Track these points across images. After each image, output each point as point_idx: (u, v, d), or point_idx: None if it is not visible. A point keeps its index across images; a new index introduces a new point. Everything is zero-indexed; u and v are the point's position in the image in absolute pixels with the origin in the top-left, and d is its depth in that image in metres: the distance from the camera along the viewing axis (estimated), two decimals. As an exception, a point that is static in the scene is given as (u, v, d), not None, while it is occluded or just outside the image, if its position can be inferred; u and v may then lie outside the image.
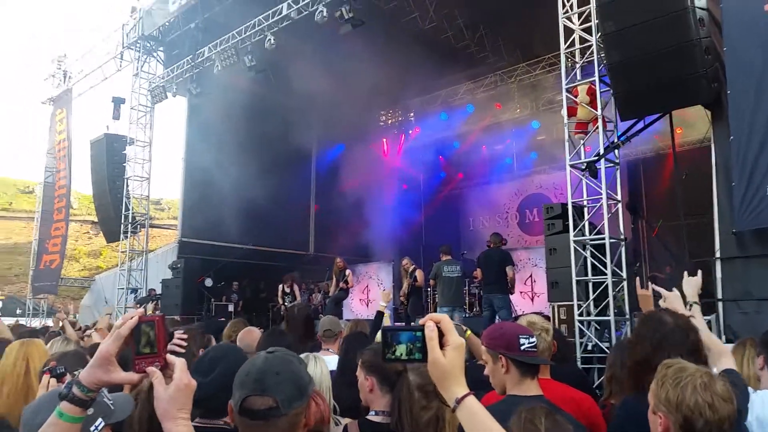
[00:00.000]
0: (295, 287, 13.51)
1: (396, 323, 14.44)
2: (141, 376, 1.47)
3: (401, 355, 1.35)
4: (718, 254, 6.85)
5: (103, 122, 16.19)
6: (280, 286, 13.56)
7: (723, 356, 2.61)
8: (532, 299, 13.49)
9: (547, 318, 9.09)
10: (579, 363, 7.24)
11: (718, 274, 6.81)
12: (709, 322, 7.10)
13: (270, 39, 11.69)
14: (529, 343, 2.48)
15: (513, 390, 2.47)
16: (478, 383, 2.71)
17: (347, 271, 12.00)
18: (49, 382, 2.47)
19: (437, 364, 1.32)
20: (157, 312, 11.11)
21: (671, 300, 3.35)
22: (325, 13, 10.69)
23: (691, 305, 3.28)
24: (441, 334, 1.34)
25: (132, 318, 1.47)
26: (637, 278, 4.03)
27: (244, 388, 1.54)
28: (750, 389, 2.55)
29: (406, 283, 11.39)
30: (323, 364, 2.91)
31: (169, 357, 1.48)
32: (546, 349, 3.05)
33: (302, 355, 2.88)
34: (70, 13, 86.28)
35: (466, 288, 12.50)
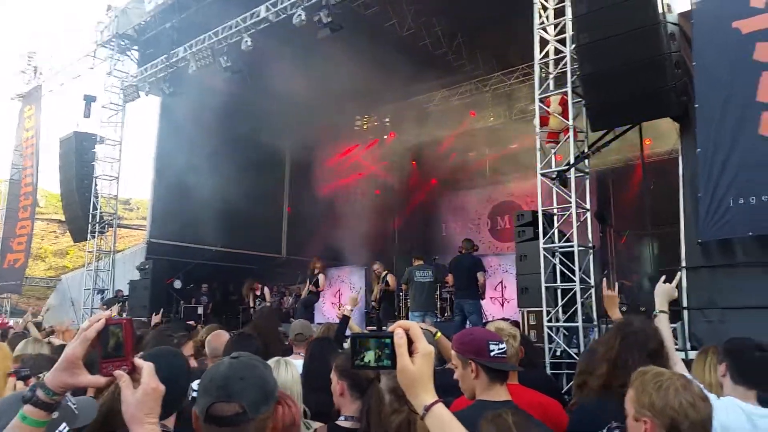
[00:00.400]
0: (266, 290, 13.43)
1: (368, 328, 14.45)
2: (108, 380, 1.44)
3: (370, 361, 1.35)
4: (683, 263, 7.02)
5: (74, 120, 15.96)
6: (250, 292, 13.48)
7: (677, 365, 2.71)
8: (503, 305, 13.63)
9: (516, 324, 9.20)
10: (548, 368, 7.33)
11: (684, 283, 6.96)
12: (674, 330, 7.27)
13: (247, 41, 11.63)
14: (498, 349, 2.50)
15: (482, 395, 2.49)
16: (448, 388, 2.74)
17: (320, 276, 11.95)
18: (15, 385, 2.43)
19: (406, 372, 1.33)
20: (124, 314, 10.93)
21: (607, 300, 3.50)
22: (303, 17, 10.67)
23: (656, 314, 3.36)
24: (410, 341, 1.35)
25: (99, 320, 1.44)
26: (604, 279, 4.13)
27: (209, 395, 1.51)
28: (713, 396, 2.62)
29: (377, 288, 11.41)
30: (294, 368, 2.90)
31: (137, 361, 1.45)
32: (513, 355, 3.09)
33: (272, 360, 2.87)
34: (44, 9, 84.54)
35: (438, 293, 12.56)
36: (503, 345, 2.55)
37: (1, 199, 20.03)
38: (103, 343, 1.44)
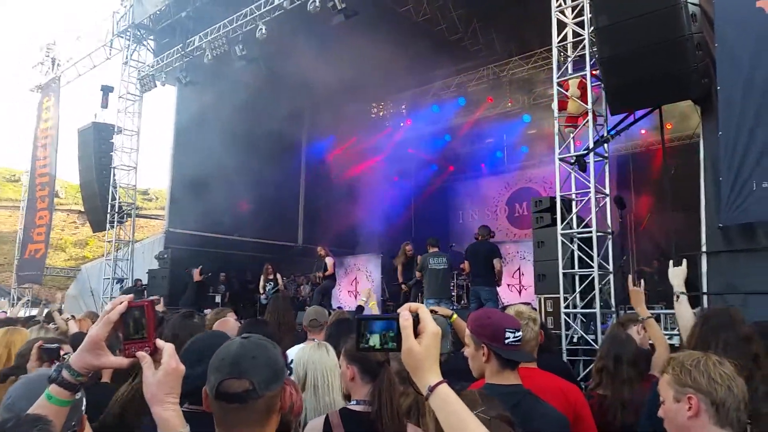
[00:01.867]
0: (278, 275, 13.48)
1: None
2: (130, 361, 1.47)
3: (375, 344, 1.34)
4: (704, 248, 6.90)
5: (92, 111, 16.08)
6: (262, 276, 13.57)
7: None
8: (520, 292, 13.56)
9: (534, 309, 9.15)
10: (564, 355, 7.28)
11: (704, 268, 6.86)
12: (694, 315, 7.18)
13: (261, 29, 11.61)
14: (514, 337, 2.45)
15: (492, 379, 2.46)
16: (462, 373, 2.71)
17: (327, 259, 11.97)
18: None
19: (411, 353, 1.31)
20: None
21: (633, 296, 3.42)
22: (317, 3, 10.61)
23: (677, 296, 3.30)
24: (417, 323, 1.33)
25: (121, 303, 1.48)
26: (629, 276, 4.05)
27: (220, 372, 1.54)
28: None
29: (400, 268, 11.31)
30: (333, 352, 2.92)
31: (158, 342, 1.49)
32: (533, 338, 3.04)
33: (313, 343, 2.89)
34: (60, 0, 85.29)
35: (454, 280, 12.51)
36: (519, 333, 2.50)
37: (22, 190, 20.30)
38: (126, 325, 1.47)
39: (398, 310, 1.36)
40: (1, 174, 32.39)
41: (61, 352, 2.58)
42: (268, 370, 1.57)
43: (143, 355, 1.45)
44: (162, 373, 1.43)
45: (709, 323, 2.75)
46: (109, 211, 15.31)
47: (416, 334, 1.32)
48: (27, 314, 9.38)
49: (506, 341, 2.43)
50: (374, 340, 1.34)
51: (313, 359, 2.97)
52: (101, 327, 1.45)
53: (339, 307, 10.21)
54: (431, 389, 1.31)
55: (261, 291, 13.53)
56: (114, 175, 15.45)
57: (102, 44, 16.47)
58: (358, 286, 16.13)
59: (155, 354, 1.47)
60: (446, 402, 1.31)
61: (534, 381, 2.61)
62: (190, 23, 13.50)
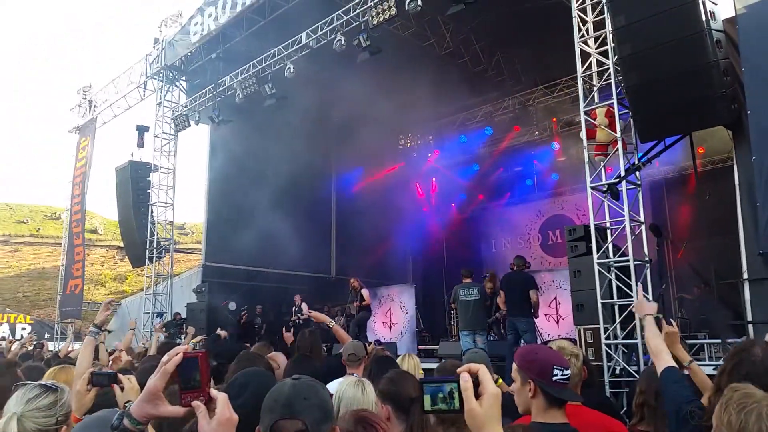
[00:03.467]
0: (304, 305, 13.63)
1: (418, 347, 14.37)
2: (186, 410, 1.53)
3: (439, 406, 1.38)
4: (745, 275, 6.77)
5: (128, 150, 16.57)
6: (293, 309, 13.79)
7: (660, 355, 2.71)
8: (557, 322, 13.35)
9: (573, 342, 9.00)
10: (607, 387, 7.16)
11: (747, 296, 6.72)
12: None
13: (290, 67, 11.90)
14: (562, 375, 2.44)
15: (538, 417, 2.45)
16: (505, 410, 2.72)
17: (363, 291, 12.03)
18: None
19: (474, 414, 1.34)
20: (182, 336, 11.16)
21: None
22: (343, 42, 10.87)
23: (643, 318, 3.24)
24: (477, 383, 1.37)
25: (177, 355, 1.54)
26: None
27: (274, 413, 1.60)
28: None
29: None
30: (371, 389, 2.93)
31: (212, 392, 1.55)
32: (576, 375, 3.03)
33: (351, 379, 2.94)
34: (96, 44, 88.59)
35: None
36: (567, 371, 2.49)
37: (63, 227, 20.91)
38: (182, 375, 1.54)
39: (458, 370, 1.40)
40: (43, 212, 33.36)
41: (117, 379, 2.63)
42: (320, 411, 1.63)
43: (198, 405, 1.50)
44: (216, 423, 1.49)
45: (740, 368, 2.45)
46: (147, 246, 15.67)
47: (477, 395, 1.35)
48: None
49: (554, 378, 2.42)
50: (437, 400, 1.38)
51: (348, 395, 2.99)
52: (159, 378, 1.52)
53: (377, 341, 10.19)
54: None
55: (291, 318, 13.70)
56: (152, 211, 15.83)
57: (136, 86, 17.04)
58: (393, 317, 16.10)
59: (210, 403, 1.52)
60: None
61: (579, 418, 2.60)
62: (221, 64, 13.91)
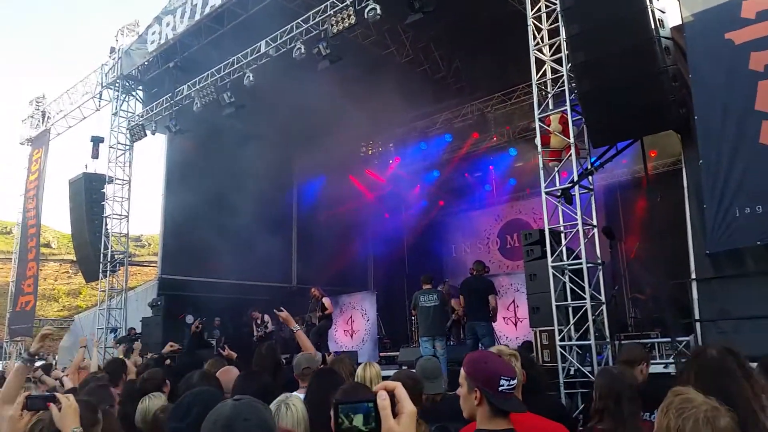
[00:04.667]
0: (266, 317, 13.45)
1: (380, 354, 14.35)
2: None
3: (354, 425, 1.35)
4: (693, 275, 6.98)
5: (82, 161, 16.16)
6: (252, 321, 13.57)
7: None
8: (516, 325, 13.52)
9: (529, 344, 9.11)
10: (562, 388, 7.26)
11: (695, 295, 6.93)
12: (687, 343, 7.20)
13: (249, 76, 11.80)
14: (509, 385, 2.44)
15: (482, 425, 2.45)
16: (458, 414, 2.72)
17: (324, 299, 11.98)
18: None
19: None
20: (134, 352, 10.81)
21: None
22: (302, 50, 10.84)
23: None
24: (395, 402, 1.35)
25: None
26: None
27: None
28: None
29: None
30: (296, 410, 2.85)
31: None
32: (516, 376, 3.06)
33: (274, 403, 2.88)
34: (49, 54, 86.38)
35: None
36: (514, 381, 2.49)
37: (14, 242, 20.25)
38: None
39: (375, 389, 1.37)
40: (-8, 227, 32.23)
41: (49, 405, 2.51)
42: (261, 431, 1.60)
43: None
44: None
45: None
46: (101, 260, 15.26)
47: (394, 413, 1.33)
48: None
49: (500, 388, 2.43)
50: (354, 421, 1.34)
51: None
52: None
53: (336, 353, 10.13)
54: None
55: (254, 333, 13.48)
56: (106, 224, 15.45)
57: (91, 96, 16.67)
58: (354, 324, 16.05)
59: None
60: None
61: (522, 423, 2.62)
62: (178, 73, 13.68)
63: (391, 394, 1.36)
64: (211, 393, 2.61)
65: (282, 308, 5.66)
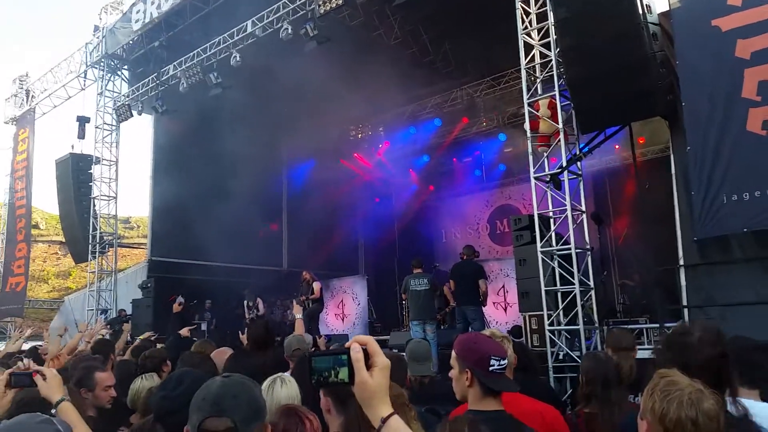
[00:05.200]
0: (258, 301, 13.43)
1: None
2: None
3: (328, 378, 1.36)
4: (681, 262, 7.02)
5: (69, 142, 16.00)
6: (245, 302, 13.54)
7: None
8: (505, 309, 13.60)
9: (518, 329, 9.15)
10: (551, 372, 7.32)
11: (683, 281, 6.97)
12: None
13: (236, 56, 11.66)
14: (499, 365, 2.46)
15: (474, 405, 2.47)
16: (450, 397, 2.73)
17: (315, 283, 11.99)
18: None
19: (365, 386, 1.34)
20: (126, 332, 10.77)
21: None
22: (290, 31, 10.71)
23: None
24: (368, 356, 1.36)
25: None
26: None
27: (201, 411, 1.57)
28: (751, 402, 2.55)
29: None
30: (292, 385, 2.88)
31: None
32: (508, 358, 3.08)
33: (269, 378, 2.90)
34: (32, 32, 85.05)
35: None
36: (505, 362, 2.51)
37: (0, 223, 20.09)
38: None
39: (347, 344, 1.38)
40: (-21, 208, 31.94)
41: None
42: (249, 408, 1.61)
43: None
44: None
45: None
46: (90, 241, 15.19)
47: (367, 366, 1.35)
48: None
49: (491, 368, 2.45)
50: (327, 373, 1.36)
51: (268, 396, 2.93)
52: None
53: (327, 336, 10.14)
54: (383, 421, 1.34)
55: (247, 316, 13.46)
56: (94, 205, 15.35)
57: (76, 75, 16.42)
58: (345, 308, 16.09)
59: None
60: None
61: (514, 405, 2.64)
62: (164, 52, 13.51)
63: (365, 349, 1.36)
64: (202, 373, 2.63)
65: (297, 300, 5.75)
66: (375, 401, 1.35)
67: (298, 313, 5.56)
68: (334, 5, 9.93)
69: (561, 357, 7.42)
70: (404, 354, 4.31)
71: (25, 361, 2.63)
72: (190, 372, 2.46)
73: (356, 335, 1.43)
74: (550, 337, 7.50)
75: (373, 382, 1.34)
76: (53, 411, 2.44)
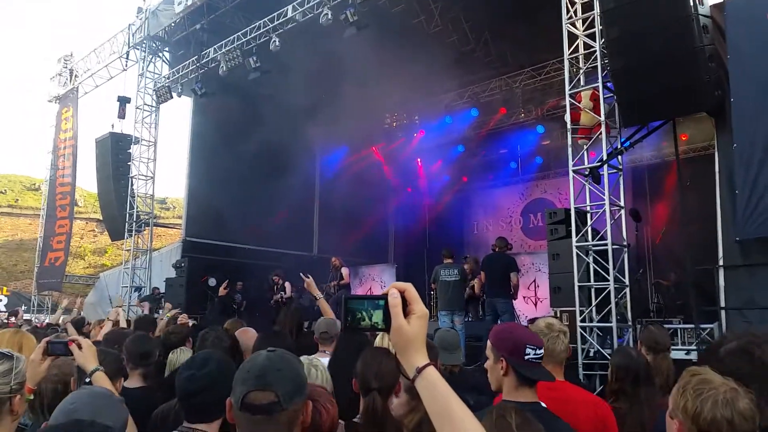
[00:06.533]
0: (287, 284, 13.53)
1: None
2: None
3: (364, 322, 1.32)
4: (721, 262, 6.84)
5: (109, 121, 16.31)
6: (273, 285, 13.66)
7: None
8: (536, 304, 13.47)
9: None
10: (581, 369, 7.23)
11: (721, 282, 6.79)
12: (711, 331, 7.08)
13: (275, 41, 11.72)
14: (535, 354, 2.42)
15: (509, 395, 2.44)
16: (476, 387, 2.71)
17: (343, 269, 12.03)
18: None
19: (401, 332, 1.30)
20: (160, 310, 11.03)
21: None
22: (329, 16, 10.72)
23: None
24: (406, 303, 1.32)
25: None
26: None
27: (246, 384, 1.58)
28: None
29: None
30: (323, 371, 2.91)
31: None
32: (563, 351, 3.03)
33: (304, 359, 2.91)
34: (77, 12, 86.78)
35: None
36: (541, 351, 2.46)
37: (42, 199, 20.61)
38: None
39: (386, 289, 1.34)
40: (21, 182, 32.86)
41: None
42: (293, 383, 1.61)
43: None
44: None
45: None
46: (127, 220, 15.50)
47: (405, 314, 1.31)
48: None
49: (526, 356, 2.40)
50: (363, 319, 1.32)
51: None
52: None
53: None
54: (419, 371, 1.29)
55: (272, 302, 13.59)
56: (132, 184, 15.65)
57: (118, 56, 16.71)
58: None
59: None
60: (433, 385, 1.28)
61: (565, 392, 2.60)
62: (205, 35, 13.67)
63: (403, 296, 1.32)
64: (226, 355, 2.69)
65: (308, 274, 5.63)
66: (411, 349, 1.30)
67: (315, 291, 5.52)
68: (375, -10, 9.88)
69: (591, 354, 7.31)
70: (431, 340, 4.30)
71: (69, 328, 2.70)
72: (215, 354, 2.47)
73: (394, 282, 1.38)
74: (581, 334, 7.39)
75: (410, 329, 1.29)
76: (87, 380, 2.50)
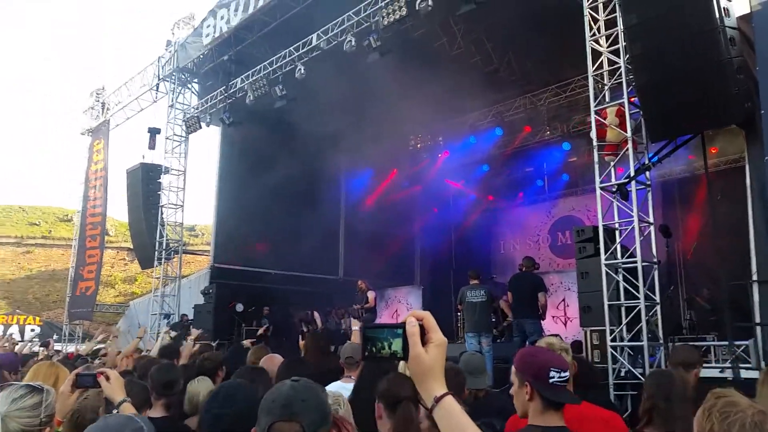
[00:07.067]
0: (316, 315, 13.53)
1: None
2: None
3: (382, 351, 1.33)
4: (755, 277, 6.67)
5: (139, 152, 16.68)
6: (300, 323, 13.69)
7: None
8: (565, 324, 13.27)
9: (579, 344, 8.88)
10: (611, 389, 7.07)
11: (756, 298, 6.62)
12: (746, 348, 6.88)
13: (300, 69, 11.94)
14: (559, 377, 2.38)
15: (534, 420, 2.40)
16: (503, 412, 2.67)
17: (369, 293, 12.03)
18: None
19: (419, 360, 1.30)
20: (188, 338, 11.08)
21: None
22: (353, 43, 10.89)
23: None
24: (424, 332, 1.32)
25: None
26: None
27: (271, 414, 1.58)
28: None
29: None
30: (343, 400, 2.91)
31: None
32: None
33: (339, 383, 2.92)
34: (109, 47, 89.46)
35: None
36: (566, 374, 2.43)
37: (74, 229, 21.04)
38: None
39: (404, 318, 1.35)
40: (54, 214, 33.67)
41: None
42: (318, 413, 1.61)
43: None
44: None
45: None
46: (156, 248, 15.73)
47: (423, 342, 1.31)
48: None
49: (551, 380, 2.37)
50: (382, 348, 1.32)
51: None
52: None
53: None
54: (437, 400, 1.29)
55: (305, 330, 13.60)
56: (162, 213, 15.91)
57: (148, 88, 17.14)
58: (399, 318, 15.95)
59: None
60: (450, 414, 1.29)
61: (578, 411, 2.57)
62: (232, 66, 13.99)
63: (421, 325, 1.33)
64: (243, 384, 2.71)
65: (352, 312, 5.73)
66: (429, 379, 1.31)
67: (355, 325, 5.59)
68: (397, 16, 10.02)
69: (623, 374, 7.16)
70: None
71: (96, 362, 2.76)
72: (242, 387, 2.48)
73: (413, 310, 1.39)
74: (612, 353, 7.25)
75: (428, 358, 1.30)
76: (114, 411, 2.54)
